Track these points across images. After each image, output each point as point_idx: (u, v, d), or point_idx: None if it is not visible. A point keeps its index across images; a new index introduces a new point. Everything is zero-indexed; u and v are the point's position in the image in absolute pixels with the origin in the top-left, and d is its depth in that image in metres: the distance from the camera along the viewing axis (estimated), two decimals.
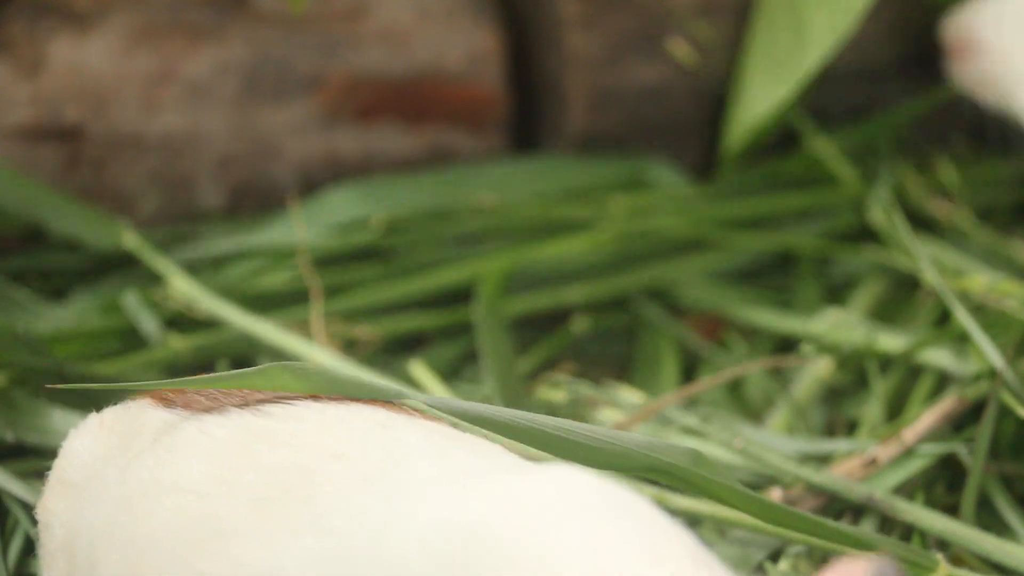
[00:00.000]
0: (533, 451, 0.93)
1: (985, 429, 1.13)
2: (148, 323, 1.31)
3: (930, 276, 1.30)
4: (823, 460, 1.17)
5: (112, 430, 0.94)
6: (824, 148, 1.49)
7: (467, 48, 1.49)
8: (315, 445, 0.85)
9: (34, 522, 1.06)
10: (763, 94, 1.45)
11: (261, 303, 1.36)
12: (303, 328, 1.32)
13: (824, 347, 1.30)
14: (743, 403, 1.29)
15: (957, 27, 1.44)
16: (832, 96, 1.53)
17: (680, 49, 1.49)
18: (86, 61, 1.42)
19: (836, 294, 1.43)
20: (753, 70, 1.46)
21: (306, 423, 0.87)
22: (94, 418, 0.96)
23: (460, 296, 1.40)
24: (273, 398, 0.90)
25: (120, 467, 0.89)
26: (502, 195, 1.45)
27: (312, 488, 0.82)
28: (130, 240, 1.37)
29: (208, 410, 0.90)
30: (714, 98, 1.51)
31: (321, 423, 0.87)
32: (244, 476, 0.84)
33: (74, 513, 0.91)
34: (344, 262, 1.41)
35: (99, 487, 0.90)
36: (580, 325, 1.38)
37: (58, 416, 1.18)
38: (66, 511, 0.92)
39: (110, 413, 0.95)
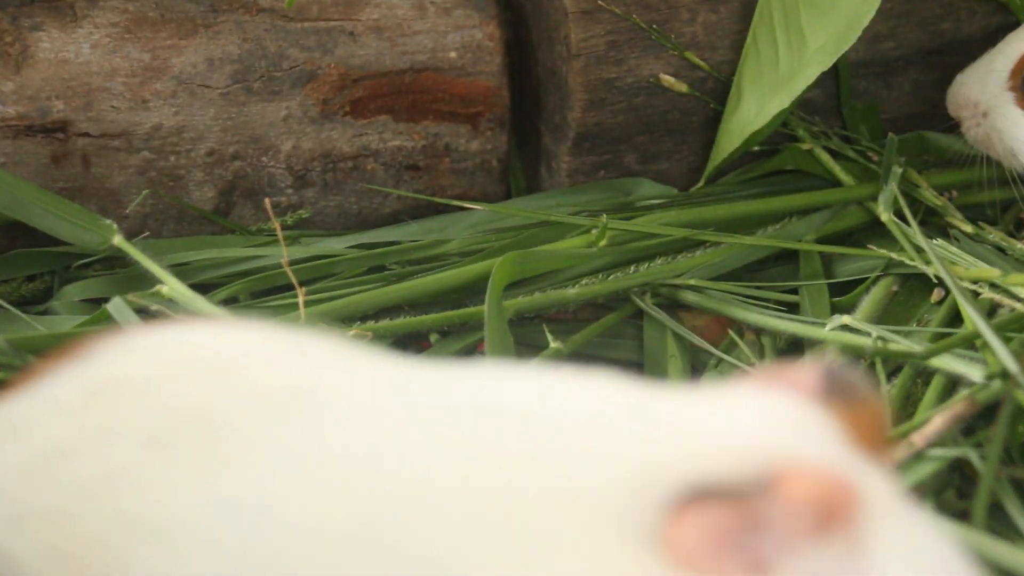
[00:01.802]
0: None
1: (999, 432, 1.11)
2: (136, 326, 1.28)
3: (943, 275, 1.28)
4: None
5: None
6: (821, 155, 1.49)
7: (466, 41, 1.47)
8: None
9: None
10: (758, 108, 1.45)
11: (253, 306, 1.35)
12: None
13: (832, 348, 1.28)
14: None
15: (957, 92, 1.47)
16: (838, 88, 1.53)
17: (670, 82, 1.48)
18: (73, 55, 1.39)
19: (843, 292, 1.41)
20: (749, 83, 1.46)
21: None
22: None
23: (457, 300, 1.38)
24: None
25: None
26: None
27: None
28: (119, 240, 1.35)
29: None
30: (715, 91, 1.49)
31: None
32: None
33: None
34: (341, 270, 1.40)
35: None
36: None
37: None
38: None
39: None
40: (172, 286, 1.29)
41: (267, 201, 1.43)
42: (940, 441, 1.15)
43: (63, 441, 0.82)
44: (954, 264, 1.38)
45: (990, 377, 1.18)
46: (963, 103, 1.46)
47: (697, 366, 1.35)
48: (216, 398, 0.80)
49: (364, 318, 1.34)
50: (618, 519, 0.69)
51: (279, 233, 1.37)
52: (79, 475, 0.80)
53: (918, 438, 1.14)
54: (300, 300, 1.31)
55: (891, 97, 1.55)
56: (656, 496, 0.69)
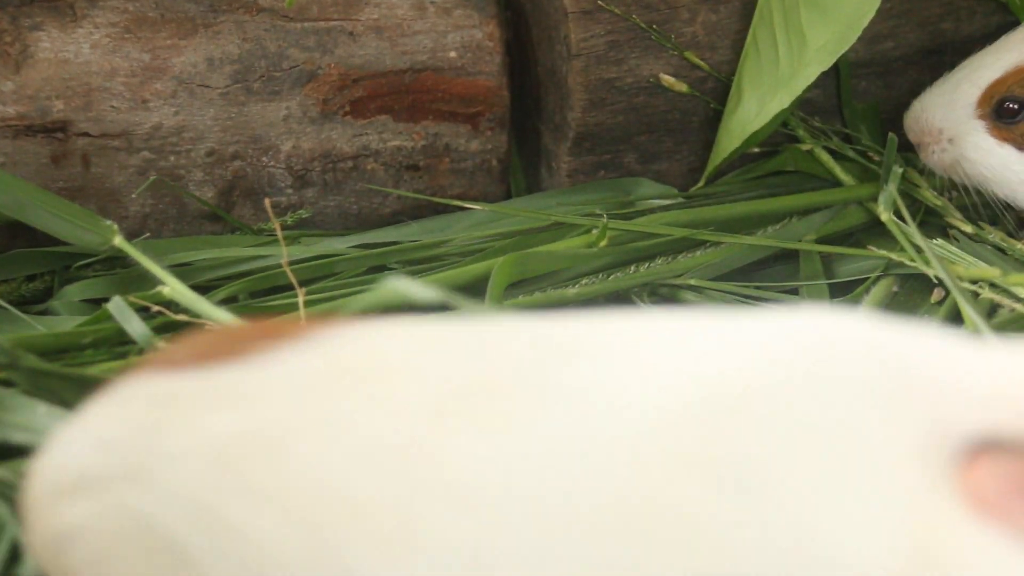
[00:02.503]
0: None
1: None
2: (136, 326, 1.28)
3: (943, 276, 1.28)
4: None
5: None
6: (821, 155, 1.49)
7: (466, 41, 1.46)
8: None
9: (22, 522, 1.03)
10: (758, 108, 1.45)
11: (253, 306, 1.34)
12: None
13: None
14: None
15: (917, 118, 1.47)
16: (838, 88, 1.53)
17: (670, 81, 1.48)
18: (73, 54, 1.39)
19: (843, 292, 1.41)
20: (749, 83, 1.46)
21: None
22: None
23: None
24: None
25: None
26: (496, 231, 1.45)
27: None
28: (120, 240, 1.34)
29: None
30: (715, 91, 1.49)
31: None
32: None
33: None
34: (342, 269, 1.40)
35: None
36: None
37: (43, 414, 1.15)
38: None
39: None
40: (173, 286, 1.29)
41: (267, 201, 1.43)
42: None
43: (312, 418, 0.79)
44: (954, 264, 1.38)
45: None
46: (925, 129, 1.46)
47: None
48: (486, 366, 0.78)
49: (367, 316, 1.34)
50: (914, 461, 0.69)
51: (279, 233, 1.37)
52: (345, 448, 0.77)
53: None
54: (300, 300, 1.31)
55: (891, 97, 1.54)
56: (949, 444, 0.69)
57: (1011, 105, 1.42)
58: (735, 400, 0.72)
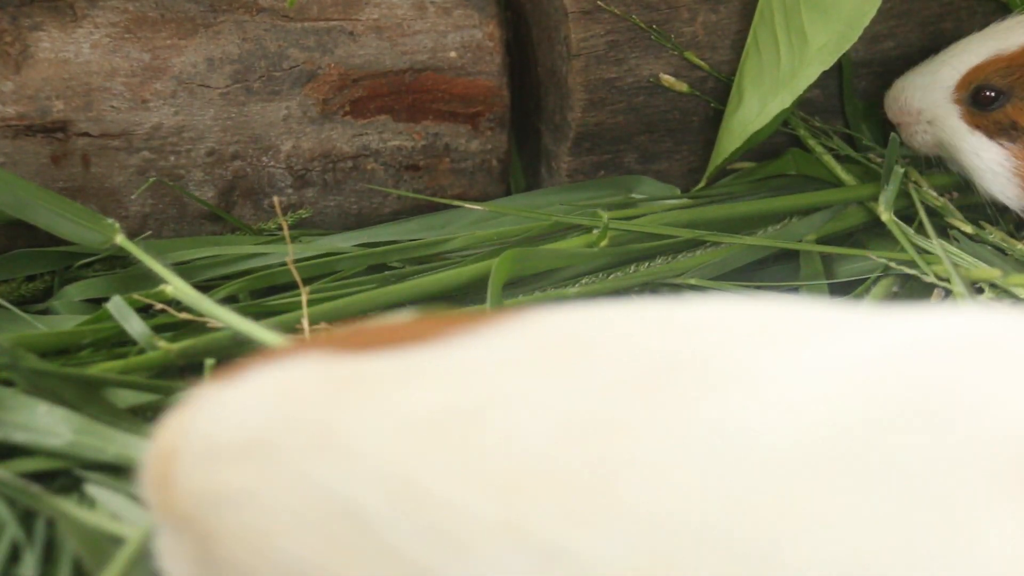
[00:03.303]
0: None
1: None
2: (135, 325, 1.28)
3: (951, 272, 1.28)
4: None
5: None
6: (822, 155, 1.49)
7: (466, 41, 1.46)
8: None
9: (22, 523, 1.03)
10: (759, 108, 1.45)
11: (253, 305, 1.34)
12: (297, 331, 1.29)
13: None
14: None
15: (898, 97, 1.48)
16: (839, 87, 1.53)
17: (671, 81, 1.48)
18: (73, 54, 1.39)
19: (843, 292, 1.41)
20: (750, 83, 1.46)
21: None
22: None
23: (458, 299, 1.38)
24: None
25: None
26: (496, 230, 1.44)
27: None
28: (122, 239, 1.34)
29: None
30: (715, 91, 1.49)
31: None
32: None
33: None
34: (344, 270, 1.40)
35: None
36: None
37: (43, 414, 1.15)
38: None
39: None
40: (176, 285, 1.29)
41: (276, 199, 1.43)
42: None
43: (511, 392, 0.78)
44: (956, 265, 1.38)
45: None
46: (904, 110, 1.47)
47: None
48: (677, 344, 0.78)
49: (368, 316, 1.34)
50: (1005, 484, 0.68)
51: (285, 231, 1.37)
52: (544, 422, 0.76)
53: None
54: (303, 299, 1.31)
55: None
56: None
57: (987, 93, 1.43)
58: (911, 415, 0.71)
